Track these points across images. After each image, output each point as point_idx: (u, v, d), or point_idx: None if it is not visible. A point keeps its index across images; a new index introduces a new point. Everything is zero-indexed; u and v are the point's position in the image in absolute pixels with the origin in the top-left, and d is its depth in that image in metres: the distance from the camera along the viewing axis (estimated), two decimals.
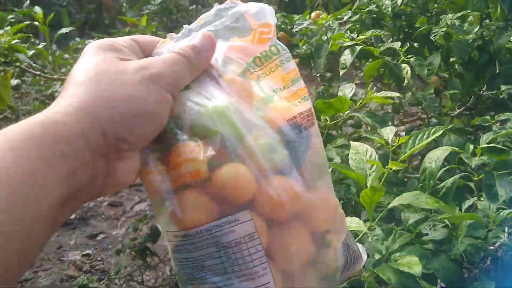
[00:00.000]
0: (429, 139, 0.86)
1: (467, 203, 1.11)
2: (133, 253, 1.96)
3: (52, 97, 1.66)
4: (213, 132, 0.47)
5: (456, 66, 1.65)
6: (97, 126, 0.41)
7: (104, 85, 0.43)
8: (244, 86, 0.50)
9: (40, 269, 3.90)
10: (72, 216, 4.69)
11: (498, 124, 1.24)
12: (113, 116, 0.42)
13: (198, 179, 0.46)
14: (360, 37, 1.34)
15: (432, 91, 1.40)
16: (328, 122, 1.17)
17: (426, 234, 1.01)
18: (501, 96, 1.68)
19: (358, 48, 1.30)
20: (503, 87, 1.66)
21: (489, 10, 1.58)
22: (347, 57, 1.31)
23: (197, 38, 0.50)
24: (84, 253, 4.21)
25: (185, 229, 0.47)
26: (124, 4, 4.62)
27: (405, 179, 1.44)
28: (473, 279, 1.13)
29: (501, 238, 0.99)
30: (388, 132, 0.93)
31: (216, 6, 0.55)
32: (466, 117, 1.79)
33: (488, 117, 1.27)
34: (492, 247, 1.05)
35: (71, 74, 0.45)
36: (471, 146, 0.96)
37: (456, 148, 0.96)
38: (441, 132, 0.85)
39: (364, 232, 0.85)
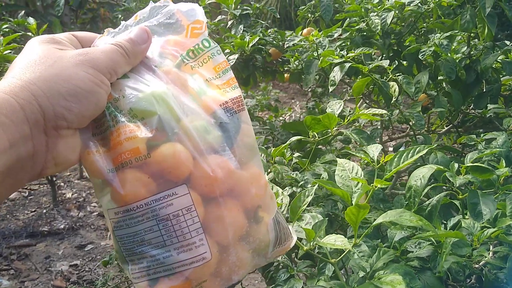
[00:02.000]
0: (414, 158, 0.87)
1: (452, 220, 1.12)
2: (120, 264, 1.95)
3: None
4: (151, 113, 0.50)
5: (444, 85, 1.68)
6: (35, 102, 0.44)
7: (44, 67, 0.46)
8: (179, 76, 0.55)
9: (27, 279, 3.86)
10: (61, 226, 4.66)
11: (483, 142, 1.25)
12: (51, 94, 0.45)
13: (137, 156, 0.50)
14: (350, 54, 1.36)
15: (420, 109, 1.41)
16: (317, 137, 1.18)
17: (411, 252, 1.02)
18: (487, 115, 1.71)
19: (348, 65, 1.32)
20: (490, 106, 1.68)
21: (477, 30, 1.61)
22: (336, 74, 1.32)
23: (133, 32, 0.54)
24: (72, 263, 4.18)
25: (126, 205, 0.50)
26: (120, 16, 4.63)
27: (393, 196, 1.45)
28: None
29: (485, 257, 1.00)
30: (374, 150, 0.94)
31: (151, 4, 0.60)
32: (453, 135, 1.81)
33: (474, 136, 1.29)
34: (476, 266, 1.06)
35: (14, 62, 0.49)
36: (456, 165, 0.98)
37: (441, 167, 0.97)
38: (425, 151, 0.87)
39: (348, 250, 0.86)
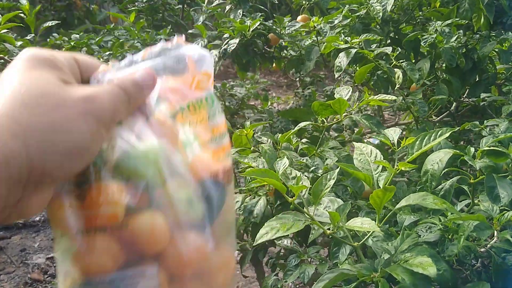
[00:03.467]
0: (437, 141, 0.87)
1: (460, 205, 1.13)
2: None
3: None
4: (140, 175, 0.45)
5: (439, 73, 1.69)
6: (25, 155, 0.37)
7: (44, 110, 0.38)
8: (173, 129, 0.49)
9: (2, 272, 3.76)
10: (37, 218, 4.56)
11: (487, 129, 1.27)
12: (46, 147, 0.38)
13: (114, 223, 0.44)
14: (354, 40, 1.35)
15: (421, 96, 1.42)
16: (326, 123, 1.17)
17: (419, 236, 1.03)
18: (481, 103, 1.73)
19: (353, 51, 1.31)
20: (483, 95, 1.71)
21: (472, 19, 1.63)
22: (342, 60, 1.31)
23: (140, 74, 0.48)
24: (48, 256, 4.09)
25: (88, 275, 0.44)
26: (94, 6, 4.56)
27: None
28: (464, 281, 1.15)
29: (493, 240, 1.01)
30: (393, 133, 0.94)
31: (162, 44, 0.53)
32: (447, 123, 1.83)
33: (477, 123, 1.30)
34: (482, 250, 1.07)
35: (6, 83, 0.40)
36: (472, 149, 0.98)
37: (458, 151, 0.97)
38: (448, 134, 0.87)
39: (372, 232, 0.86)
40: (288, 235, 0.90)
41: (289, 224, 0.81)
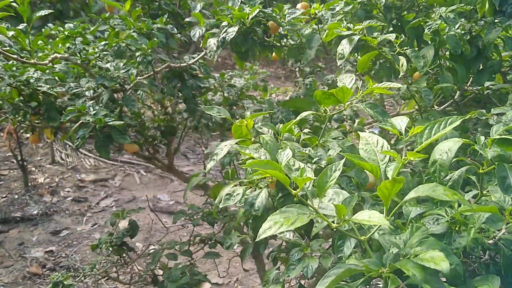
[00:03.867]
0: (447, 129, 0.83)
1: (468, 195, 1.09)
2: (110, 249, 1.88)
3: (27, 83, 1.56)
4: None
5: (442, 61, 1.65)
6: None
7: None
8: None
9: (1, 266, 3.73)
10: (34, 212, 4.52)
11: (495, 117, 1.23)
12: None
13: None
14: (357, 27, 1.31)
15: (425, 84, 1.38)
16: (328, 113, 1.13)
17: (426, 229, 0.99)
18: (485, 92, 1.69)
19: (356, 38, 1.27)
20: (488, 83, 1.67)
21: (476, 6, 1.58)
22: (345, 47, 1.27)
23: None
24: (47, 249, 4.06)
25: None
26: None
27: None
28: (472, 274, 1.12)
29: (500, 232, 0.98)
30: (401, 122, 0.90)
31: None
32: (449, 113, 1.79)
33: (484, 111, 1.27)
34: (491, 241, 1.04)
35: None
36: (482, 138, 0.94)
37: (467, 140, 0.93)
38: (458, 122, 0.83)
39: (379, 225, 0.82)
40: None
41: (293, 218, 0.77)
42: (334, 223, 0.83)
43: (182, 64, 1.77)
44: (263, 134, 1.23)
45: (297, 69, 2.41)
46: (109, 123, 1.61)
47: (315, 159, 1.08)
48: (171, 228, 3.39)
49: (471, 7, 1.51)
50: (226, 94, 2.09)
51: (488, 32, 1.50)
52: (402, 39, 1.37)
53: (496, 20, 1.58)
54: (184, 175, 2.42)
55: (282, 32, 1.63)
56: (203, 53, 1.79)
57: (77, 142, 1.68)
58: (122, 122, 1.60)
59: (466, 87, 1.73)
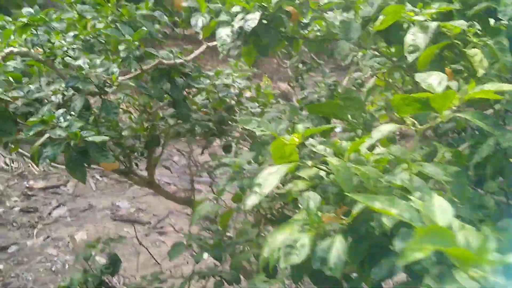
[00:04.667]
0: None
1: None
2: None
3: None
4: None
5: None
6: None
7: None
8: None
9: None
10: None
11: None
12: None
13: None
14: (427, 11, 1.00)
15: None
16: (419, 126, 0.83)
17: None
18: None
19: (434, 25, 0.96)
20: None
21: None
22: (418, 37, 0.97)
23: None
24: None
25: None
26: None
27: None
28: None
29: None
30: None
31: None
32: None
33: None
34: None
35: None
36: None
37: None
38: None
39: None
40: None
41: None
42: None
43: (177, 61, 1.41)
44: (318, 153, 0.91)
45: (288, 65, 2.11)
46: (87, 139, 1.24)
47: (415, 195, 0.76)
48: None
49: None
50: (220, 95, 1.74)
51: None
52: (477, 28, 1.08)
53: None
54: (166, 192, 2.06)
55: (306, 21, 1.31)
56: (203, 47, 1.45)
57: (42, 162, 1.31)
58: (106, 138, 1.23)
59: None
